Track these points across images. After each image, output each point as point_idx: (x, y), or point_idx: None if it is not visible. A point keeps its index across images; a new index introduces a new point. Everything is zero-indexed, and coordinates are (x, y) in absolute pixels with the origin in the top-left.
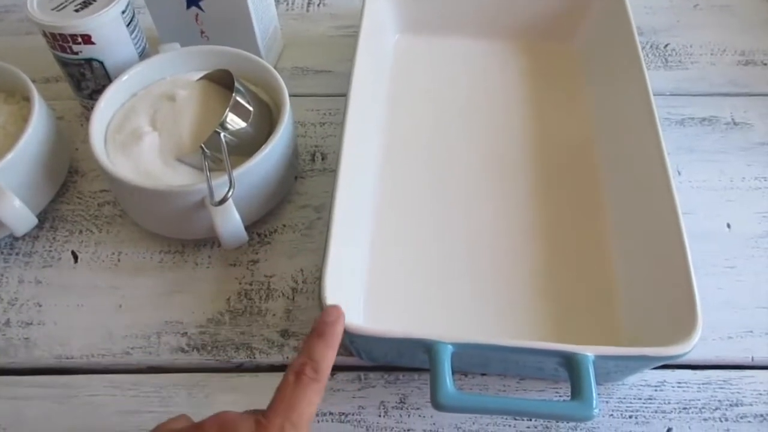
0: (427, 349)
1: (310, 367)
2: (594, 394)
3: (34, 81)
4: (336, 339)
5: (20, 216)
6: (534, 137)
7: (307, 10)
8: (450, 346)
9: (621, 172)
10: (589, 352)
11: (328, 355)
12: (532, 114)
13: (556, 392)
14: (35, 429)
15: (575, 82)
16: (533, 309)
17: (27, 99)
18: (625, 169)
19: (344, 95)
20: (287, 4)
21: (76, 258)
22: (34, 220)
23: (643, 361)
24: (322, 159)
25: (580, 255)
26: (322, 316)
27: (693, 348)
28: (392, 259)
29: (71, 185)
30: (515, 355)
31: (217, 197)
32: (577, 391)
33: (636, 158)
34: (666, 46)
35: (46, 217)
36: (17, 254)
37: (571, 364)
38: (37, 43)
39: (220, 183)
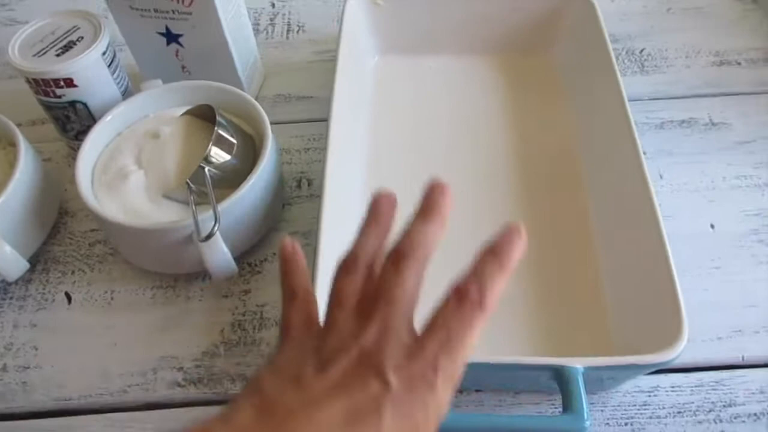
0: None
1: (475, 289)
2: (585, 407)
3: (19, 124)
4: (512, 262)
5: (11, 262)
6: (517, 150)
7: (287, 38)
8: None
9: (603, 180)
10: (578, 364)
11: (499, 278)
12: (514, 127)
13: (552, 404)
14: None
15: (554, 93)
16: (522, 322)
17: (13, 144)
18: (606, 177)
19: (327, 120)
20: (267, 33)
21: (69, 299)
22: (26, 265)
23: (631, 369)
24: (309, 185)
25: (567, 264)
26: (503, 234)
27: (680, 353)
28: None
29: (62, 226)
30: (505, 371)
31: (204, 233)
32: (569, 404)
33: (616, 165)
34: (642, 51)
35: (38, 260)
36: (11, 298)
37: (561, 377)
38: (21, 86)
39: (206, 218)
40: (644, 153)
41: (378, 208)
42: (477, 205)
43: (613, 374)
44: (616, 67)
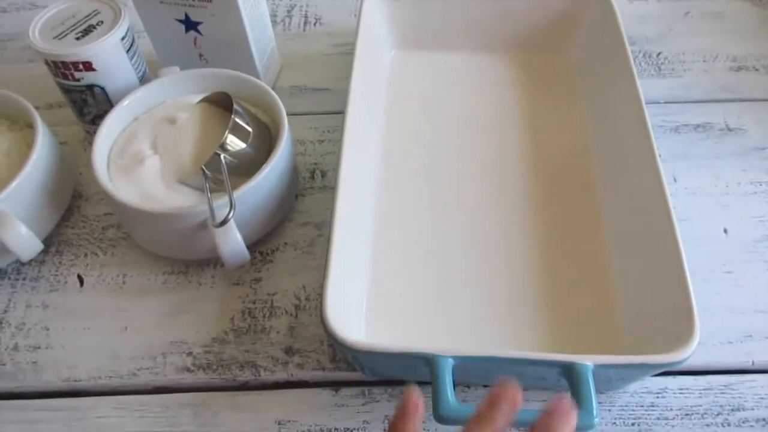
0: (428, 362)
1: None
2: (594, 403)
3: (37, 107)
4: None
5: (26, 242)
6: (530, 148)
7: (304, 30)
8: (450, 359)
9: (616, 181)
10: (588, 361)
11: None
12: (528, 125)
13: None
14: None
15: (569, 93)
16: (533, 319)
17: (30, 126)
18: (620, 178)
19: (342, 112)
20: (284, 24)
21: (81, 281)
22: (40, 246)
23: (641, 369)
24: (322, 176)
25: (579, 264)
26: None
27: (691, 355)
28: (393, 273)
29: (75, 209)
30: (515, 366)
31: (219, 218)
32: (578, 400)
33: (631, 166)
34: (659, 54)
35: (51, 242)
36: (24, 279)
37: (570, 374)
38: (39, 70)
39: (221, 204)
40: (659, 156)
41: (499, 404)
42: (489, 204)
43: (622, 373)
44: (634, 69)
